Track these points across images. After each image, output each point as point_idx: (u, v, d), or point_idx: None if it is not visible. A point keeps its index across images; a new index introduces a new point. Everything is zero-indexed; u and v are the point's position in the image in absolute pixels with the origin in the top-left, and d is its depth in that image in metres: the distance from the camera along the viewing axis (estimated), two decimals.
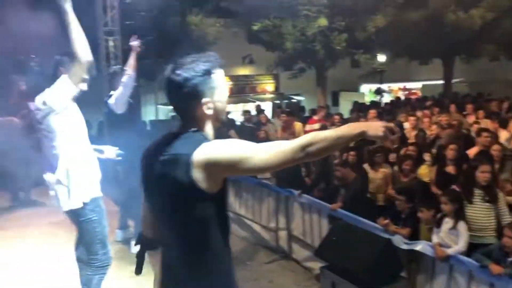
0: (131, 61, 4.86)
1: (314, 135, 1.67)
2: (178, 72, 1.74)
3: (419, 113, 9.37)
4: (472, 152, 5.95)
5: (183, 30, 12.23)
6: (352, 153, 6.48)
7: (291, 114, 11.25)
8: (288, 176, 7.20)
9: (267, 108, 19.07)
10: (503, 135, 7.32)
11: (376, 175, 6.26)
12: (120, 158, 3.82)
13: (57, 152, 3.20)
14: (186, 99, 1.75)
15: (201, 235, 1.75)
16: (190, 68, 1.74)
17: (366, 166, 6.41)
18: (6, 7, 7.07)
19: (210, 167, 1.66)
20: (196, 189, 1.68)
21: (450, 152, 5.53)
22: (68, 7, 3.12)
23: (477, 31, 13.79)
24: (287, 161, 1.66)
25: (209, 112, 1.78)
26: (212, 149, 1.67)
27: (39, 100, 3.24)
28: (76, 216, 3.25)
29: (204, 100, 1.76)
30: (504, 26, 13.98)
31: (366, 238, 4.96)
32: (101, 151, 3.69)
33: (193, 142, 1.70)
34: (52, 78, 3.26)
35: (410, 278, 4.72)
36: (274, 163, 1.66)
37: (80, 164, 3.25)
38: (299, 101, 22.03)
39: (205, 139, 1.75)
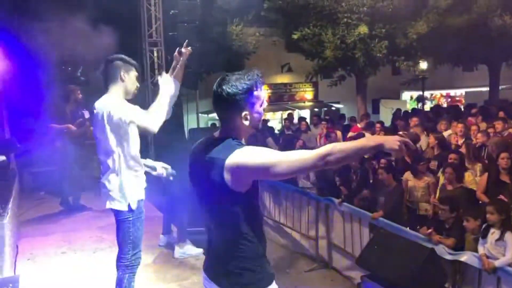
0: (179, 69, 4.90)
1: (334, 146, 1.88)
2: (224, 87, 1.98)
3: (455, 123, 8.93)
4: None
5: (224, 40, 12.46)
6: (383, 161, 6.40)
7: (332, 122, 11.22)
8: (328, 185, 7.20)
9: (306, 116, 19.03)
10: None
11: (419, 183, 6.14)
12: (171, 178, 3.88)
13: (109, 154, 3.33)
14: (228, 111, 2.03)
15: (233, 224, 2.03)
16: (234, 86, 1.98)
17: (407, 174, 6.30)
18: (51, 19, 7.42)
19: (238, 171, 1.91)
20: (227, 188, 1.94)
21: (503, 161, 5.34)
22: (162, 84, 3.37)
23: None
24: (307, 168, 1.92)
25: (247, 123, 2.03)
26: (241, 156, 1.92)
27: (99, 104, 3.36)
28: (115, 214, 3.39)
29: (243, 113, 2.01)
30: None
31: (409, 248, 4.86)
32: (153, 168, 3.79)
33: (229, 148, 1.96)
34: (112, 81, 3.38)
35: None
36: (295, 170, 1.91)
37: (129, 167, 3.36)
38: (338, 109, 21.85)
39: (240, 145, 1.98)
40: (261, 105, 2.08)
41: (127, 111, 3.26)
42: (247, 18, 13.24)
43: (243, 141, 2.08)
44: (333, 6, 12.79)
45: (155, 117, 3.29)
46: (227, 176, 1.91)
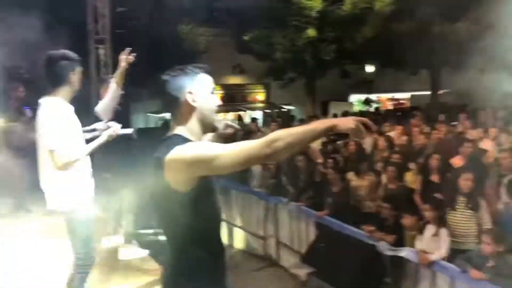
0: (120, 75, 4.80)
1: (281, 131, 1.74)
2: (167, 74, 1.94)
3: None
4: (456, 161, 6.06)
5: (174, 39, 12.35)
6: (330, 160, 6.59)
7: (282, 123, 11.35)
8: (277, 184, 7.30)
9: (258, 117, 19.17)
10: (487, 144, 7.44)
11: (361, 182, 6.35)
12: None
13: (47, 154, 3.24)
14: (171, 92, 1.92)
15: (179, 229, 1.89)
16: (177, 71, 1.95)
17: (350, 174, 6.51)
18: None
19: (178, 166, 1.77)
20: (169, 188, 1.81)
21: (434, 161, 5.64)
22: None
23: (462, 43, 14.04)
24: (254, 157, 1.73)
25: (195, 104, 1.92)
26: (181, 150, 1.78)
27: (43, 104, 3.26)
28: (60, 214, 3.32)
29: (188, 89, 1.91)
30: (488, 39, 14.24)
31: (352, 245, 5.04)
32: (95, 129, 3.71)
33: (170, 145, 1.82)
34: (59, 83, 3.28)
35: (395, 284, 4.80)
36: (241, 160, 1.74)
37: (72, 167, 3.28)
38: (289, 111, 22.15)
39: (182, 141, 1.85)
40: (209, 95, 1.97)
41: (53, 132, 3.16)
42: (197, 18, 13.20)
43: (192, 137, 1.92)
44: (282, 9, 12.99)
45: (71, 151, 3.17)
46: (167, 174, 1.78)
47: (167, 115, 2.11)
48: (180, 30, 12.92)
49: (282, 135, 1.71)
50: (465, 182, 4.61)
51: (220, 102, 2.03)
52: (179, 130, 1.93)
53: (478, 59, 15.78)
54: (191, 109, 1.92)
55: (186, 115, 1.93)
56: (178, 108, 1.93)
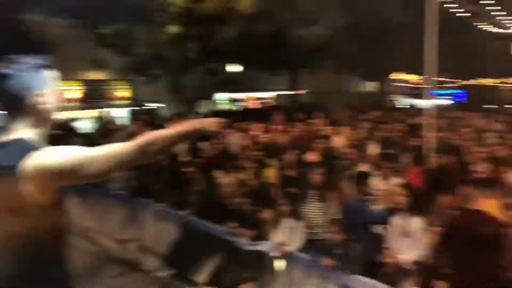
0: None
1: (152, 135, 1.66)
2: (5, 65, 1.68)
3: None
4: (310, 156, 6.47)
5: (19, 29, 11.12)
6: (194, 159, 6.60)
7: (148, 121, 11.04)
8: (139, 185, 7.04)
9: (123, 115, 18.37)
10: (339, 141, 8.08)
11: (228, 180, 6.42)
12: None
13: None
14: (13, 90, 1.68)
15: (29, 246, 1.65)
16: (20, 64, 1.70)
17: (216, 172, 6.55)
18: None
19: (41, 177, 1.56)
20: (21, 200, 1.57)
21: (291, 157, 5.95)
22: None
23: (317, 46, 15.17)
24: (126, 162, 1.63)
25: (43, 105, 1.71)
26: (41, 158, 1.56)
27: None
28: None
29: (35, 88, 1.70)
30: (342, 43, 15.63)
31: (214, 243, 5.06)
32: None
33: (19, 151, 1.59)
34: None
35: (255, 277, 4.93)
36: (112, 167, 1.61)
37: None
38: (156, 109, 21.62)
39: (32, 147, 1.62)
40: (52, 93, 1.77)
41: None
42: (48, 7, 12.13)
43: (37, 141, 1.70)
44: (144, 3, 12.63)
45: None
46: (25, 186, 1.55)
47: (3, 113, 1.80)
48: (29, 19, 11.70)
49: (154, 140, 1.64)
50: (316, 176, 4.92)
51: (62, 99, 1.84)
52: (23, 133, 1.68)
53: (332, 61, 17.28)
54: (38, 110, 1.71)
55: (32, 116, 1.71)
56: (22, 108, 1.69)
